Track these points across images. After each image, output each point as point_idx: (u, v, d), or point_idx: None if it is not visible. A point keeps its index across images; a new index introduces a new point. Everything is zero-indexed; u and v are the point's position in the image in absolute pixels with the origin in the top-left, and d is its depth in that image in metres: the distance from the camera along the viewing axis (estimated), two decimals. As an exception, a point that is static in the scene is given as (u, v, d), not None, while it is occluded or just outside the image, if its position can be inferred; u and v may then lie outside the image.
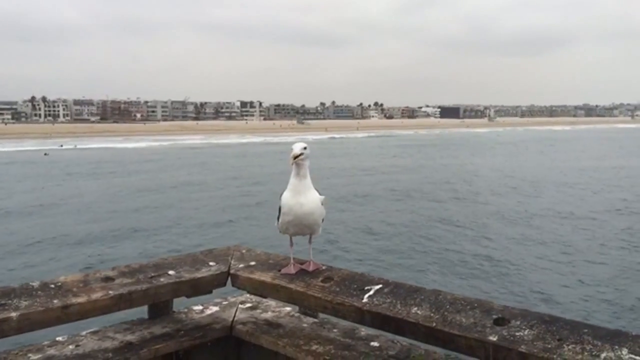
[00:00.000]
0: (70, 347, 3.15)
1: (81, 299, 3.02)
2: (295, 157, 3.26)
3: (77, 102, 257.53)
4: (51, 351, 3.10)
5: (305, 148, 3.30)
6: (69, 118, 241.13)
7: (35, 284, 3.10)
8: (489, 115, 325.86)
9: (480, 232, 27.19)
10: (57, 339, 3.25)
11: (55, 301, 2.95)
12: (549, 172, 54.93)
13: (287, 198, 3.34)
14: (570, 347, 2.29)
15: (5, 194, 41.17)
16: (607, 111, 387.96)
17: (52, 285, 3.11)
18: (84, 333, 3.35)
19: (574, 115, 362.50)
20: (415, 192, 41.34)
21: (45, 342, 3.20)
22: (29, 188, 45.15)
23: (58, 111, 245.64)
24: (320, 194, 3.40)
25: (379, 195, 39.31)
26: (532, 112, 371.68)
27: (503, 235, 26.29)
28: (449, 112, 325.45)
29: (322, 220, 3.43)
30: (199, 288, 3.52)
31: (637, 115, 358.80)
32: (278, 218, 3.44)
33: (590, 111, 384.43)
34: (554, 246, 24.18)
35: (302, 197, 3.31)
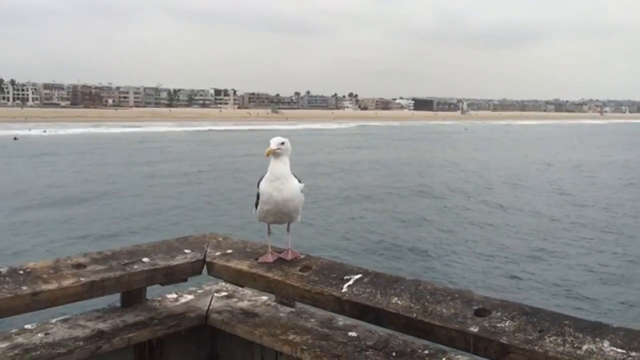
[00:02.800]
0: (40, 335, 3.05)
1: (51, 286, 2.92)
2: (269, 152, 3.27)
3: (47, 86, 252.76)
4: (19, 339, 2.99)
5: (282, 143, 3.29)
6: (38, 102, 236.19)
7: (3, 269, 2.99)
8: (462, 109, 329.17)
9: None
10: (26, 326, 3.14)
11: (24, 288, 2.85)
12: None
13: (266, 186, 3.29)
14: (551, 338, 2.28)
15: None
16: (576, 107, 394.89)
17: (21, 272, 3.00)
18: (53, 321, 3.24)
19: (545, 110, 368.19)
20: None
21: (13, 330, 3.09)
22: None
23: (27, 95, 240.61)
24: (300, 182, 3.36)
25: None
26: (504, 106, 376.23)
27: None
28: (422, 104, 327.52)
29: (301, 207, 3.40)
30: (173, 276, 3.44)
31: (605, 112, 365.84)
32: (256, 205, 3.38)
33: (560, 106, 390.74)
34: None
35: (282, 184, 3.26)
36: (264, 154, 3.25)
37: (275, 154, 3.27)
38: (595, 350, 2.18)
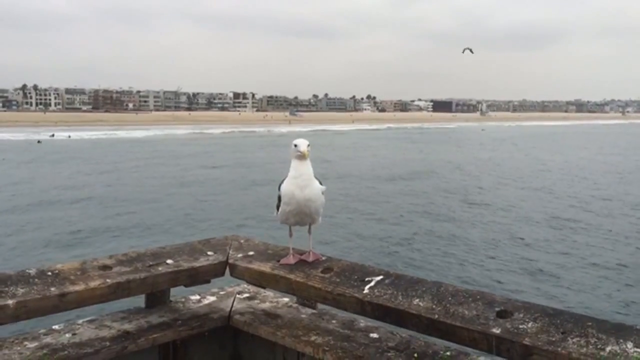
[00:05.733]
0: (67, 335, 3.12)
1: (79, 287, 2.98)
2: (306, 155, 3.32)
3: (69, 91, 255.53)
4: (47, 339, 3.06)
5: (308, 145, 3.35)
6: (60, 107, 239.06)
7: (32, 271, 3.05)
8: (481, 110, 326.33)
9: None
10: (54, 327, 3.21)
11: (52, 289, 2.91)
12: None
13: (288, 185, 3.32)
14: (574, 340, 2.28)
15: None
16: (598, 107, 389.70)
17: (49, 273, 3.06)
18: (80, 322, 3.31)
19: (566, 111, 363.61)
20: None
21: (42, 331, 3.16)
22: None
23: (50, 100, 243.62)
24: (321, 184, 3.38)
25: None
26: (524, 107, 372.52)
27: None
28: (441, 106, 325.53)
29: (322, 209, 3.42)
30: (197, 277, 3.49)
31: (627, 112, 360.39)
32: (277, 207, 3.41)
33: (581, 107, 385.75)
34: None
35: (304, 186, 3.30)
36: (303, 154, 3.30)
37: (298, 155, 3.32)
38: (618, 351, 2.17)
